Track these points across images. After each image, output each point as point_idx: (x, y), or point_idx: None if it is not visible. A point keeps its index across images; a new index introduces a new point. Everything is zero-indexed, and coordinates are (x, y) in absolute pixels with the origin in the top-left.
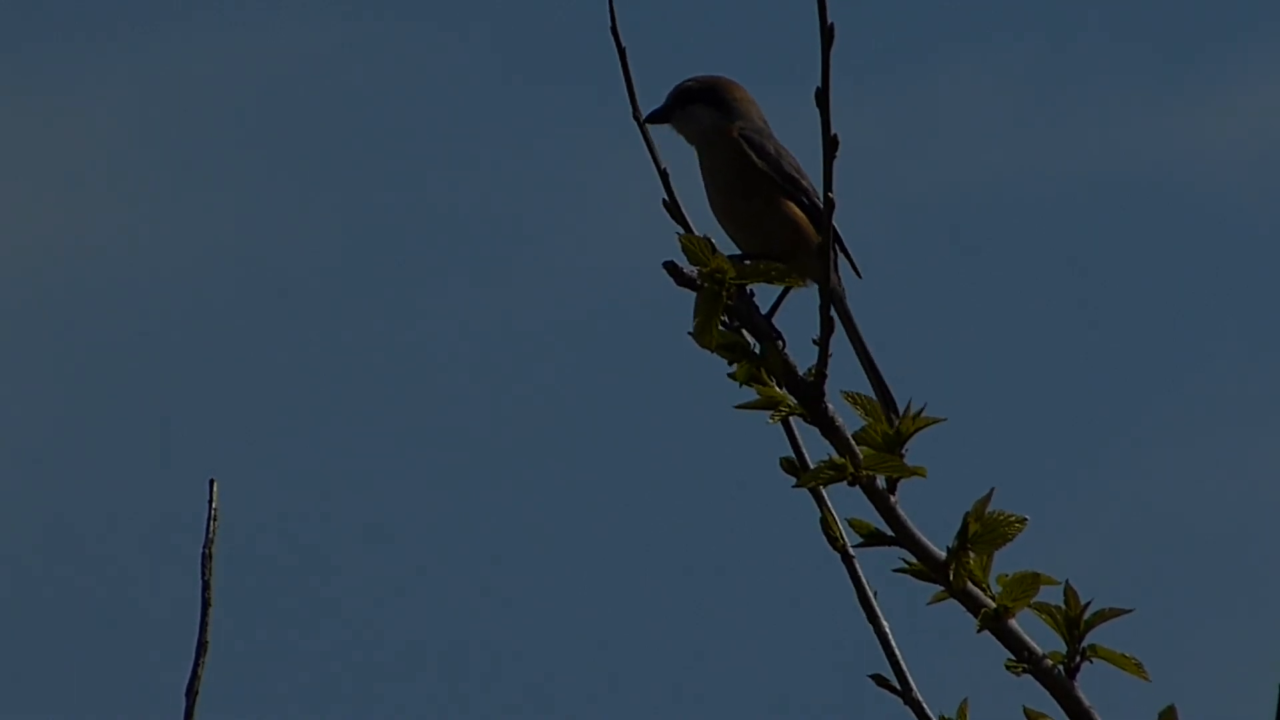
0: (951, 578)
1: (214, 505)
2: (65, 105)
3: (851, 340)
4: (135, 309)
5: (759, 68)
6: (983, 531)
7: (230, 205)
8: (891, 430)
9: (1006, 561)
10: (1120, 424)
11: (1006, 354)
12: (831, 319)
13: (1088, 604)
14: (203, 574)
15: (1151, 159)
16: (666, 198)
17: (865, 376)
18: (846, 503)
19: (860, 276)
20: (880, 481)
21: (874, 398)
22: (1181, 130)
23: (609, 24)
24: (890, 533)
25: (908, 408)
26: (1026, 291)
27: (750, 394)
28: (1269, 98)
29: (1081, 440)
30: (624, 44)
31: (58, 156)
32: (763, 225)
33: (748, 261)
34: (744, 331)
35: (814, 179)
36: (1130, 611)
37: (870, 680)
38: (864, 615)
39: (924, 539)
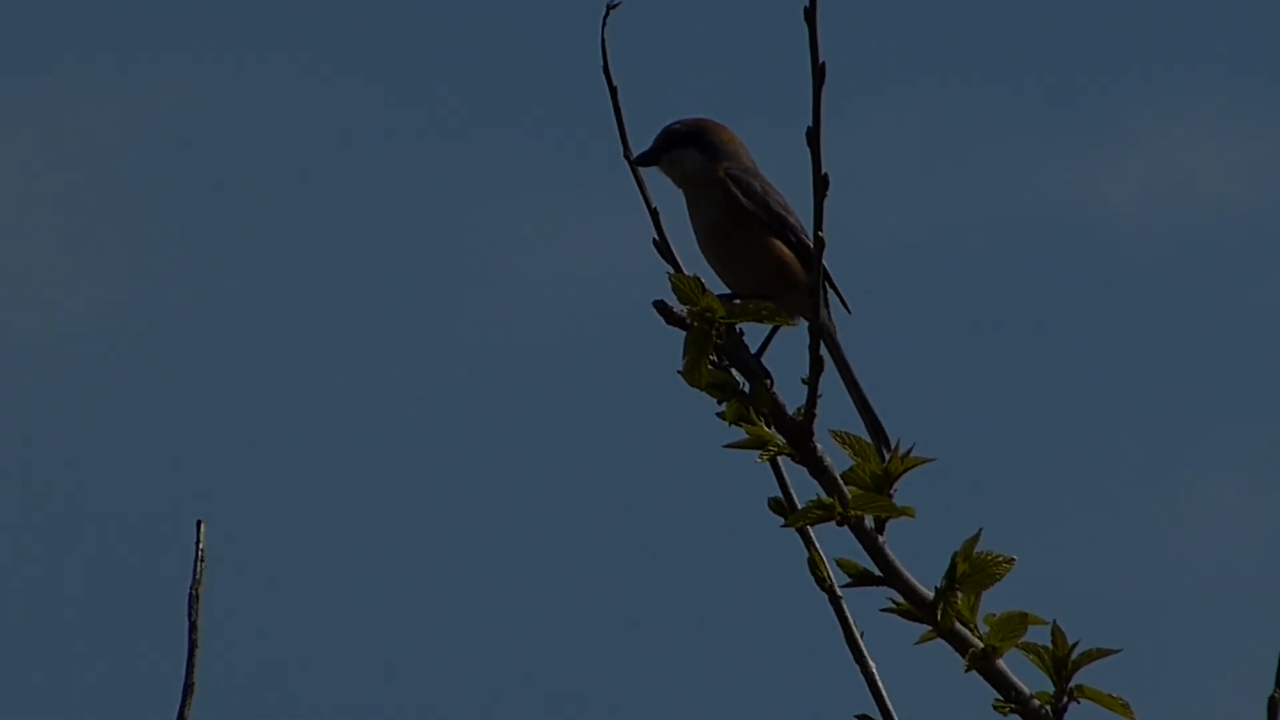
0: (939, 618)
1: (201, 546)
2: None
3: (843, 376)
4: (28, 369)
5: (745, 106)
6: (971, 571)
7: (125, 261)
8: (880, 470)
9: (994, 601)
10: (1108, 464)
11: (995, 394)
12: (821, 358)
13: (1075, 644)
14: (190, 615)
15: (1053, 207)
16: (656, 237)
17: (856, 412)
18: (834, 542)
19: (850, 312)
20: (868, 521)
21: (864, 435)
22: (1081, 177)
23: (601, 65)
24: (878, 572)
25: (896, 447)
26: (1000, 332)
27: (739, 433)
28: (1164, 142)
29: (1069, 481)
30: (615, 83)
31: None
32: (751, 264)
33: (737, 300)
34: (733, 370)
35: (804, 217)
36: (1117, 652)
37: None
38: (851, 655)
39: (912, 579)
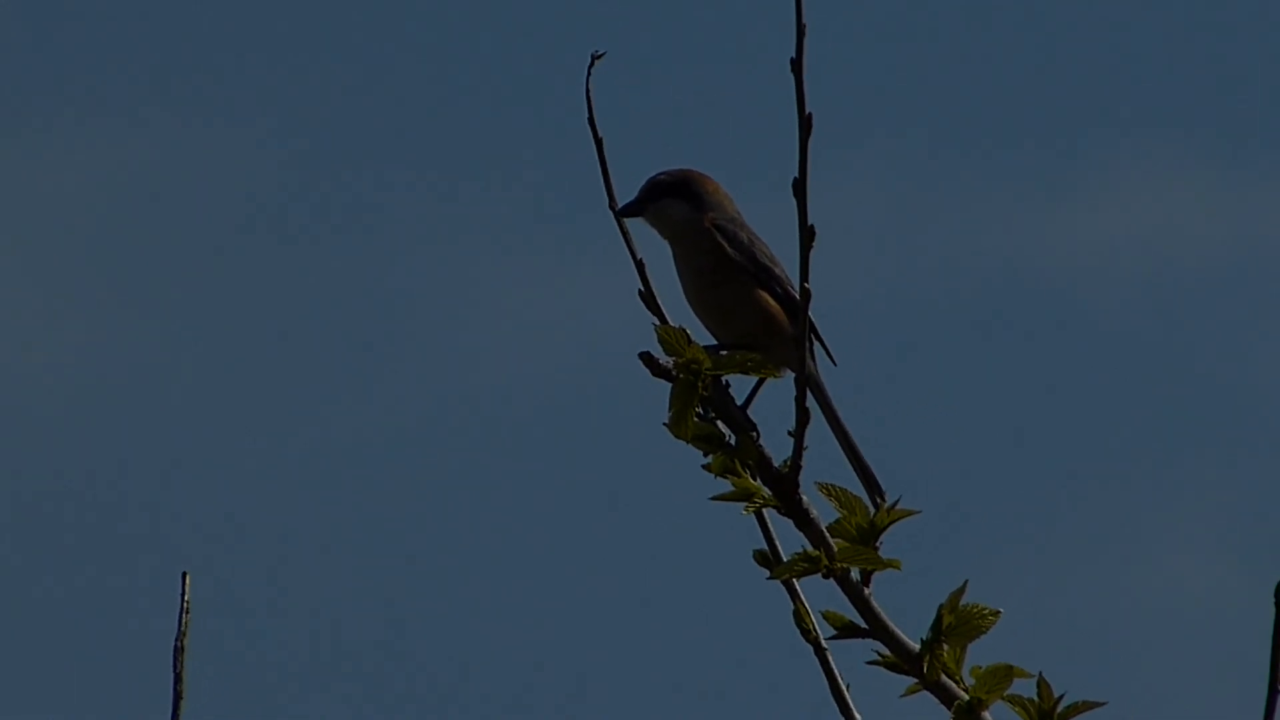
0: (925, 670)
1: (186, 599)
2: None
3: (831, 426)
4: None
5: (729, 156)
6: (956, 624)
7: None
8: (866, 523)
9: (980, 654)
10: (1095, 518)
11: (980, 446)
12: (807, 410)
13: (1061, 697)
14: (174, 666)
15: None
16: (642, 288)
17: (844, 464)
18: (820, 594)
19: (835, 364)
20: (854, 574)
21: (851, 486)
22: (1048, 230)
23: (586, 116)
24: (864, 625)
25: (882, 499)
26: (977, 384)
27: (725, 485)
28: (1128, 196)
29: (1055, 534)
30: (600, 135)
31: None
32: (737, 315)
33: (723, 352)
34: (719, 422)
35: (789, 268)
36: (1103, 704)
37: None
38: (837, 707)
39: (898, 631)
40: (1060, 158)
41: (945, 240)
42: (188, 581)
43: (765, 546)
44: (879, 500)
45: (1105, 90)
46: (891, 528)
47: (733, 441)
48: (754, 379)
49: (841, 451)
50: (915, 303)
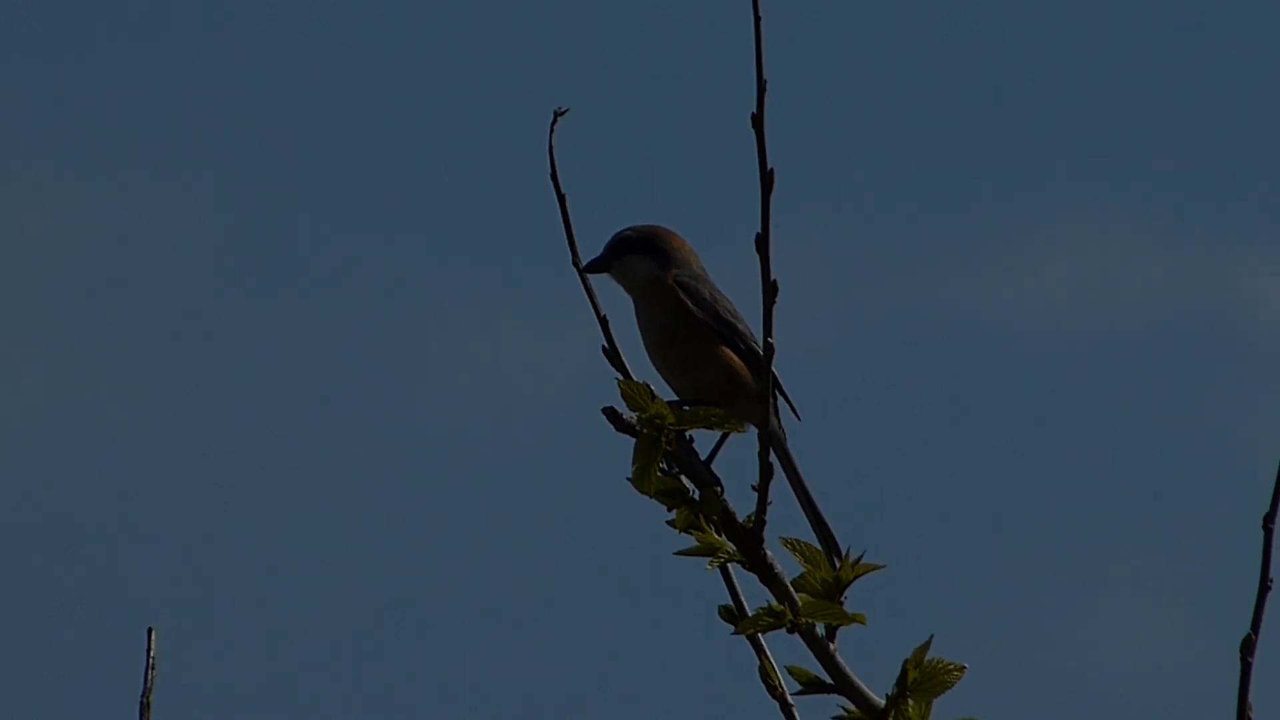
0: None
1: (152, 654)
2: None
3: (792, 483)
4: None
5: (691, 212)
6: (922, 679)
7: (34, 378)
8: (831, 577)
9: (946, 709)
10: (1059, 572)
11: (944, 501)
12: (771, 465)
13: None
14: None
15: (968, 321)
16: (606, 344)
17: (806, 519)
18: (786, 649)
19: (799, 419)
20: (820, 629)
21: (814, 541)
22: (996, 291)
23: (549, 171)
24: (829, 680)
25: (846, 554)
26: (943, 442)
27: (689, 540)
28: (1077, 255)
29: (1020, 588)
30: (563, 191)
31: None
32: (700, 371)
33: (686, 407)
34: (683, 477)
35: (754, 324)
36: None
37: None
38: None
39: (863, 686)
40: (1003, 217)
41: (888, 300)
42: (153, 637)
43: (730, 601)
44: (836, 559)
45: (1047, 151)
46: (856, 583)
47: (697, 496)
48: (718, 434)
49: (800, 508)
50: (856, 363)
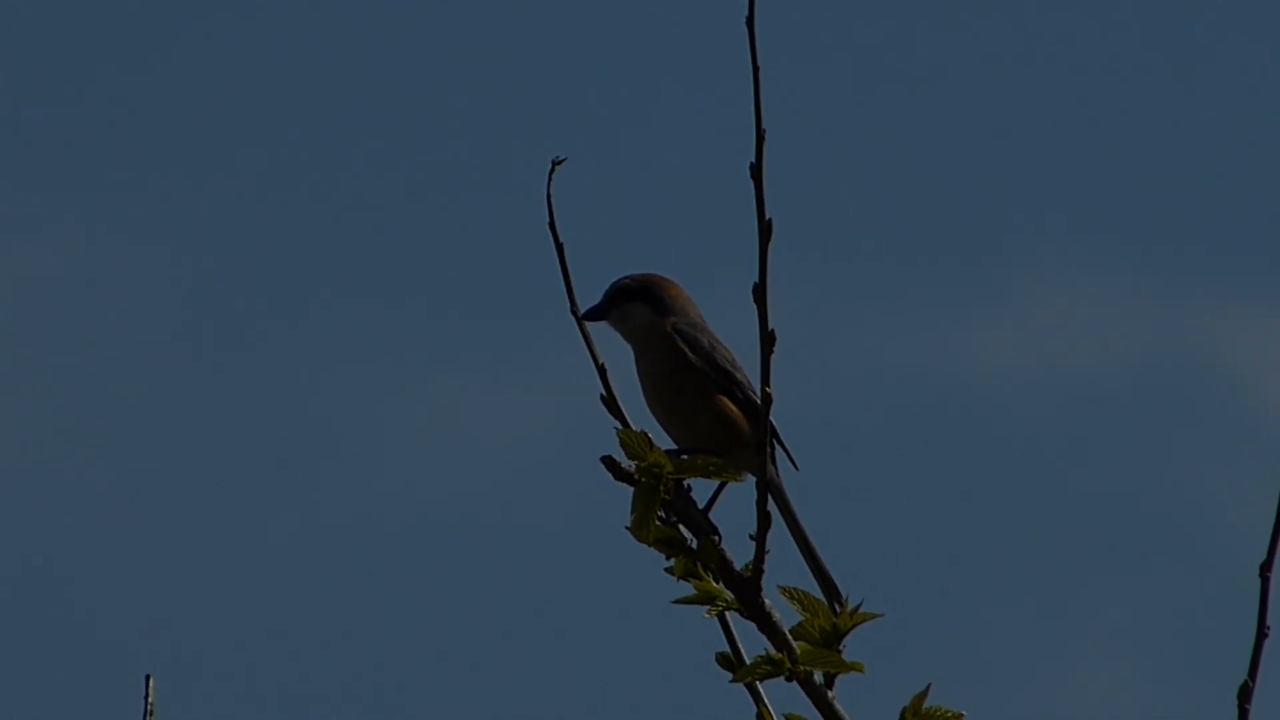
0: None
1: (150, 700)
2: None
3: (791, 531)
4: None
5: (687, 261)
6: None
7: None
8: (829, 625)
9: None
10: (1050, 620)
11: (942, 549)
12: (769, 513)
13: None
14: None
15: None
16: (604, 392)
17: (806, 566)
18: (784, 698)
19: (797, 469)
20: (818, 677)
21: (813, 590)
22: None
23: (547, 220)
24: None
25: (845, 602)
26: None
27: (687, 588)
28: (1045, 306)
29: (1015, 636)
30: (561, 240)
31: None
32: (698, 420)
33: (685, 456)
34: (681, 526)
35: (752, 373)
36: None
37: None
38: None
39: None
40: (974, 265)
41: (857, 349)
42: (151, 684)
43: (728, 649)
44: (838, 606)
45: (1018, 197)
46: (854, 631)
47: (695, 545)
48: (715, 483)
49: (801, 556)
50: (827, 413)
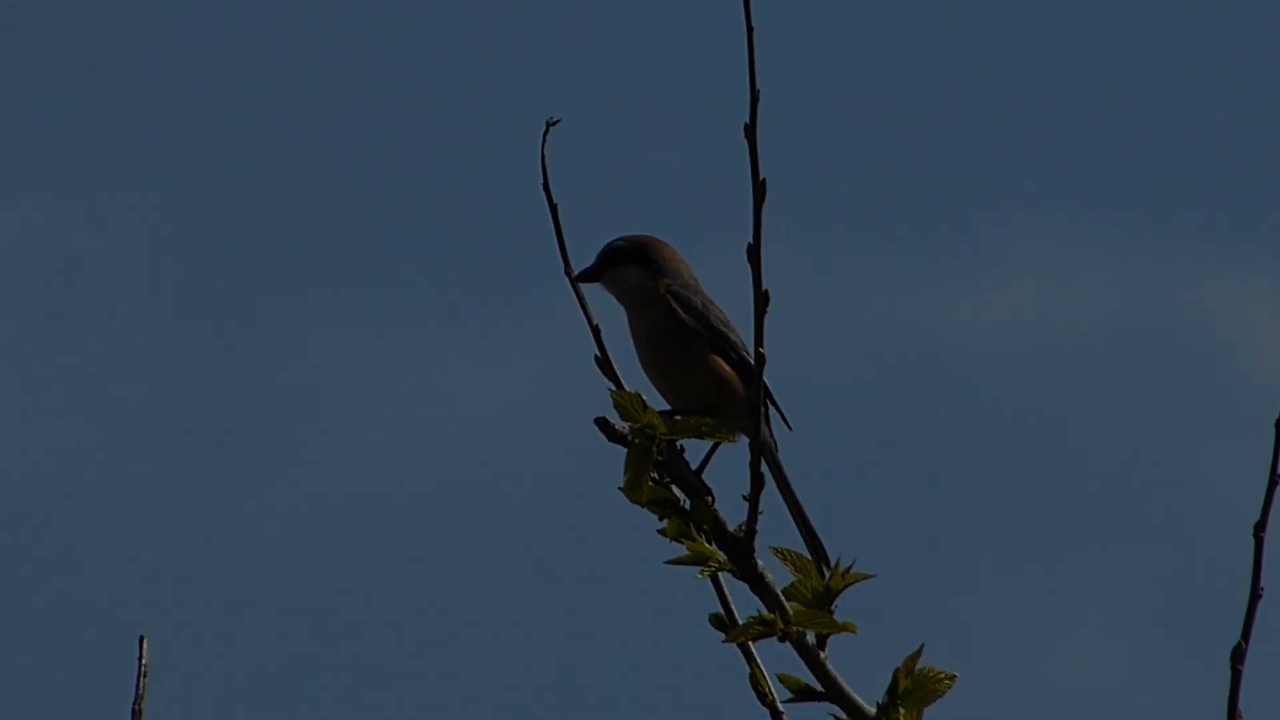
0: None
1: (144, 662)
2: None
3: (782, 493)
4: None
5: (682, 222)
6: (913, 688)
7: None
8: (821, 586)
9: (936, 718)
10: (1046, 580)
11: (936, 509)
12: (762, 474)
13: None
14: None
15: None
16: (598, 353)
17: (796, 529)
18: (776, 658)
19: (791, 429)
20: (810, 637)
21: (804, 550)
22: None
23: (541, 181)
24: (820, 688)
25: (837, 563)
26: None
27: (681, 549)
28: (1031, 269)
29: (1011, 596)
30: (555, 201)
31: None
32: (691, 381)
33: (678, 417)
34: (674, 487)
35: (746, 334)
36: None
37: None
38: None
39: (854, 695)
40: (963, 232)
41: (846, 313)
42: (145, 645)
43: (721, 610)
44: (825, 568)
45: (1006, 166)
46: (847, 591)
47: (688, 506)
48: (709, 444)
49: (791, 517)
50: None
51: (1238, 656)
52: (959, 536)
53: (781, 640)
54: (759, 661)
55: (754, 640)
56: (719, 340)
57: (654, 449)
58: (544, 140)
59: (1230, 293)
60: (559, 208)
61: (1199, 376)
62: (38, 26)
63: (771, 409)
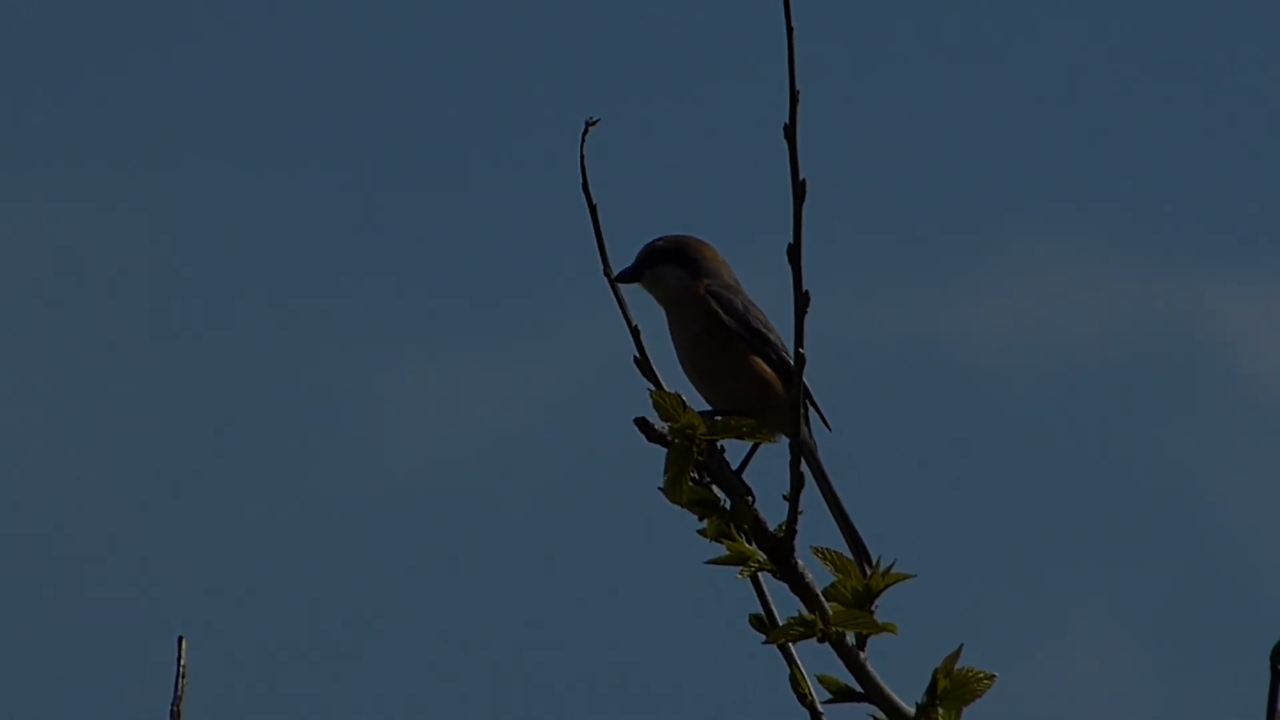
0: None
1: (182, 663)
2: None
3: (824, 493)
4: None
5: (723, 222)
6: (952, 688)
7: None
8: (861, 586)
9: (975, 718)
10: (1081, 581)
11: (975, 509)
12: (801, 474)
13: None
14: None
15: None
16: (637, 354)
17: (837, 529)
18: (816, 658)
19: (830, 429)
20: (850, 638)
21: (845, 551)
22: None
23: (580, 182)
24: (860, 689)
25: (877, 563)
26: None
27: (721, 549)
28: (1039, 276)
29: (1050, 596)
30: (595, 201)
31: None
32: (731, 381)
33: (718, 417)
34: (714, 487)
35: (785, 334)
36: None
37: None
38: None
39: (893, 695)
40: (968, 237)
41: (851, 317)
42: (184, 646)
43: (761, 610)
44: (867, 568)
45: (1012, 170)
46: (887, 592)
47: (728, 506)
48: (749, 444)
49: (832, 517)
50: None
51: (1278, 656)
52: (959, 537)
53: (821, 641)
54: (799, 662)
55: (794, 641)
56: (759, 341)
57: (694, 449)
58: (583, 140)
59: (1236, 299)
60: (598, 208)
61: (1205, 382)
62: (38, 26)
63: (811, 409)
